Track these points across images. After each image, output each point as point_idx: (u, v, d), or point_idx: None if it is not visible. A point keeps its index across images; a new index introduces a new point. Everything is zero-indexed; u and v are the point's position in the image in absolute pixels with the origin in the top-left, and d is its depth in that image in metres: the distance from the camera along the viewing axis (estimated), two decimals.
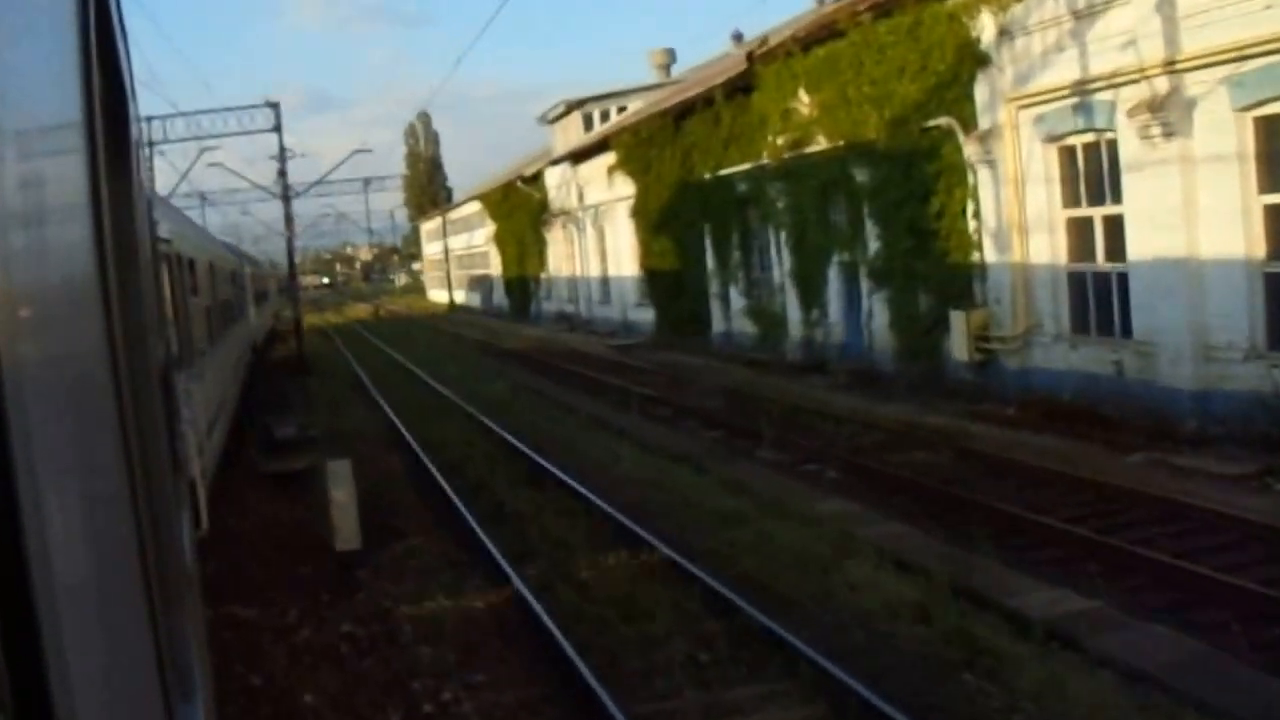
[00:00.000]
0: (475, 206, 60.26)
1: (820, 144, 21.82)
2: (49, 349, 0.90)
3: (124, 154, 2.28)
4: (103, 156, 1.42)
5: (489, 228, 55.28)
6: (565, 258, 41.85)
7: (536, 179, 43.47)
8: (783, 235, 23.67)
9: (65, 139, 1.16)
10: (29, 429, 0.71)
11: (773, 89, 23.11)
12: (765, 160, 23.82)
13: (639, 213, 31.62)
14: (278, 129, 32.35)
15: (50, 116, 1.06)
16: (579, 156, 37.45)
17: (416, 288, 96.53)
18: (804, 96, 22.19)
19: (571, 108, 39.24)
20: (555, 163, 39.68)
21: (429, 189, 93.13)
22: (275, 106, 32.45)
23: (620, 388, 21.59)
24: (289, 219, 32.54)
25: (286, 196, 32.17)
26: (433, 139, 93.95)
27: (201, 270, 12.28)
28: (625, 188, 32.89)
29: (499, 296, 55.14)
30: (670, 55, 44.95)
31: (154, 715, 1.32)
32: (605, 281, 37.20)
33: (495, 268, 55.45)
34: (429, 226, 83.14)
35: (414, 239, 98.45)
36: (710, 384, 21.16)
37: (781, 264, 23.98)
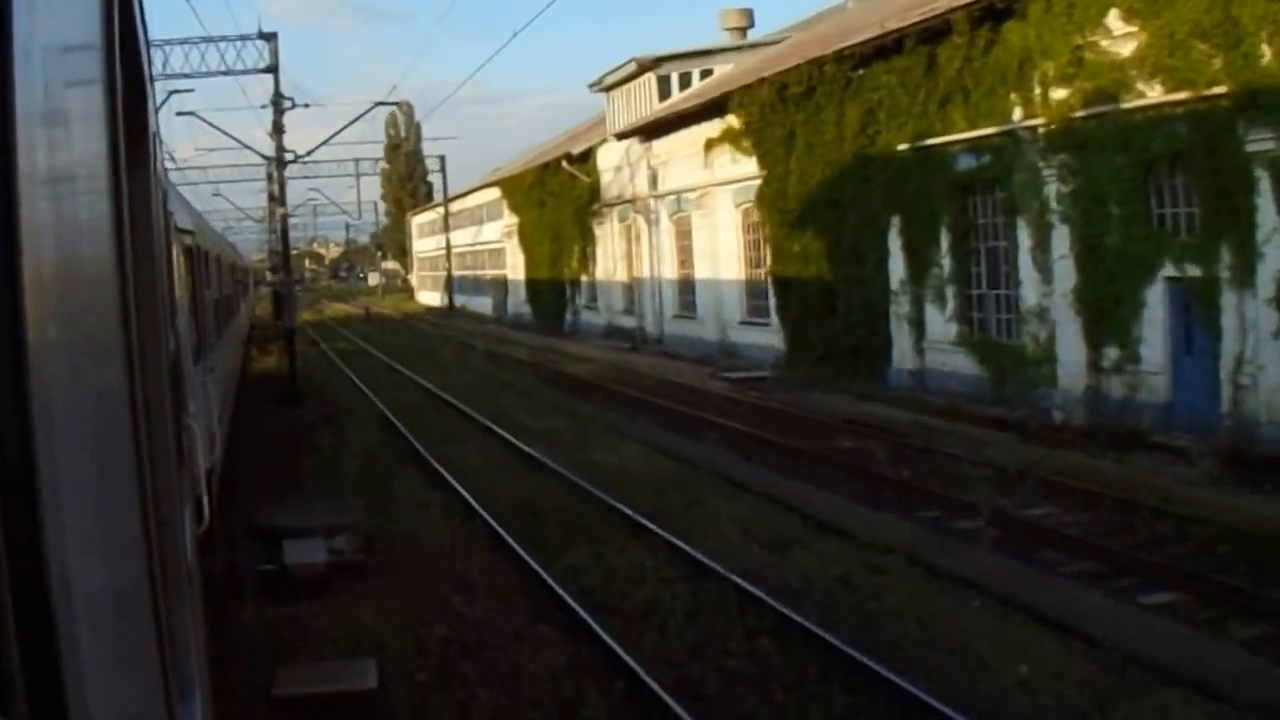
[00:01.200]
0: (488, 196, 52.08)
1: (1146, 96, 14.17)
2: (71, 336, 0.92)
3: (141, 143, 2.34)
4: (123, 145, 1.44)
5: (506, 220, 47.17)
6: (620, 258, 33.90)
7: (585, 159, 35.46)
8: (1053, 236, 15.93)
9: (87, 127, 1.17)
10: (52, 417, 0.71)
11: (1058, 14, 15.39)
12: (1024, 123, 16.13)
13: (766, 200, 23.76)
14: (274, 69, 24.12)
15: (73, 103, 1.06)
16: (655, 130, 29.56)
17: (396, 288, 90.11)
18: (1118, 22, 14.52)
19: (644, 68, 31.31)
20: (622, 136, 31.67)
21: (409, 183, 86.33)
22: (271, 39, 24.22)
23: (826, 458, 13.86)
24: (281, 190, 24.35)
25: (281, 160, 23.94)
26: (415, 130, 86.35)
27: (212, 262, 12.23)
28: (735, 167, 25.06)
29: (517, 302, 47.00)
30: (748, 17, 37.19)
31: (157, 713, 1.33)
32: (688, 290, 29.31)
33: (513, 268, 47.32)
34: (421, 220, 74.66)
35: (395, 234, 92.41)
36: (989, 464, 13.19)
37: (1042, 278, 16.23)
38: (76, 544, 0.81)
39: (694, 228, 28.54)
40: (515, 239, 46.02)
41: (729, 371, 23.29)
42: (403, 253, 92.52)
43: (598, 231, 35.26)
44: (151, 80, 2.71)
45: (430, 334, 42.71)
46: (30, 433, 0.68)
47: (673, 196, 29.40)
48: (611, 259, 34.56)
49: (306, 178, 48.97)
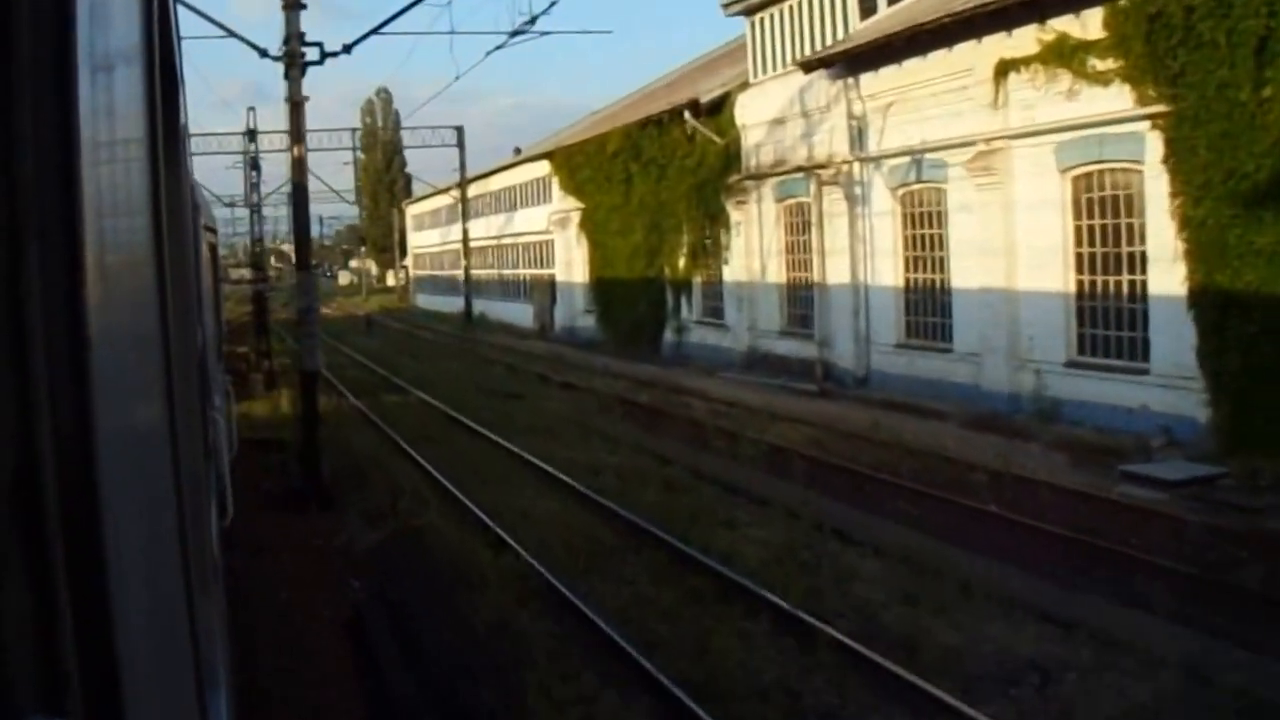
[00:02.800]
0: (524, 175, 41.37)
1: None
2: (118, 330, 0.93)
3: (174, 138, 2.39)
4: (161, 144, 1.47)
5: (557, 205, 36.53)
6: (776, 252, 23.40)
7: (717, 111, 24.90)
8: None
9: (130, 125, 1.19)
10: (109, 412, 0.73)
11: None
12: None
13: (1184, 156, 13.35)
14: None
15: (120, 103, 1.08)
16: (865, 59, 19.13)
17: (373, 288, 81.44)
18: None
19: None
20: (810, 67, 21.08)
21: (385, 176, 79.96)
22: None
23: None
24: (297, 116, 13.90)
25: (296, 58, 13.42)
26: (394, 119, 78.99)
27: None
28: (1068, 105, 14.78)
29: (570, 312, 36.30)
30: None
31: (189, 702, 1.36)
32: (925, 302, 18.86)
33: (565, 266, 36.63)
34: (419, 210, 63.63)
35: (371, 229, 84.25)
36: None
37: None
38: (129, 539, 0.81)
39: (949, 206, 18.07)
40: (573, 228, 35.36)
41: (1138, 466, 12.70)
42: (382, 250, 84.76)
43: (735, 214, 24.69)
44: (182, 75, 2.92)
45: (468, 356, 31.99)
46: (92, 429, 0.67)
47: (902, 159, 18.91)
48: (757, 253, 23.99)
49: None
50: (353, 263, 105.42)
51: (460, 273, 52.43)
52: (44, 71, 0.71)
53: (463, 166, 46.45)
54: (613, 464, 14.15)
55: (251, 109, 62.52)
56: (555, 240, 37.81)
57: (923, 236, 18.95)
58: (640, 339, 29.72)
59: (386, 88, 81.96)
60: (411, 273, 66.26)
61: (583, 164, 33.60)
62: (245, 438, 14.16)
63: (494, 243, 46.25)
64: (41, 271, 0.67)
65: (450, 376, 25.58)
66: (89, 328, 0.69)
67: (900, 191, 19.28)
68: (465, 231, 46.01)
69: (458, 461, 14.60)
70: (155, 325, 1.30)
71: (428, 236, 60.74)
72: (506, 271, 44.84)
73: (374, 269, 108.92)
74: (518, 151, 48.64)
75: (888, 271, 19.65)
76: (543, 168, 38.59)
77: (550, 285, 38.56)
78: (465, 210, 46.16)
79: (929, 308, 18.85)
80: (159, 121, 1.45)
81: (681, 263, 27.55)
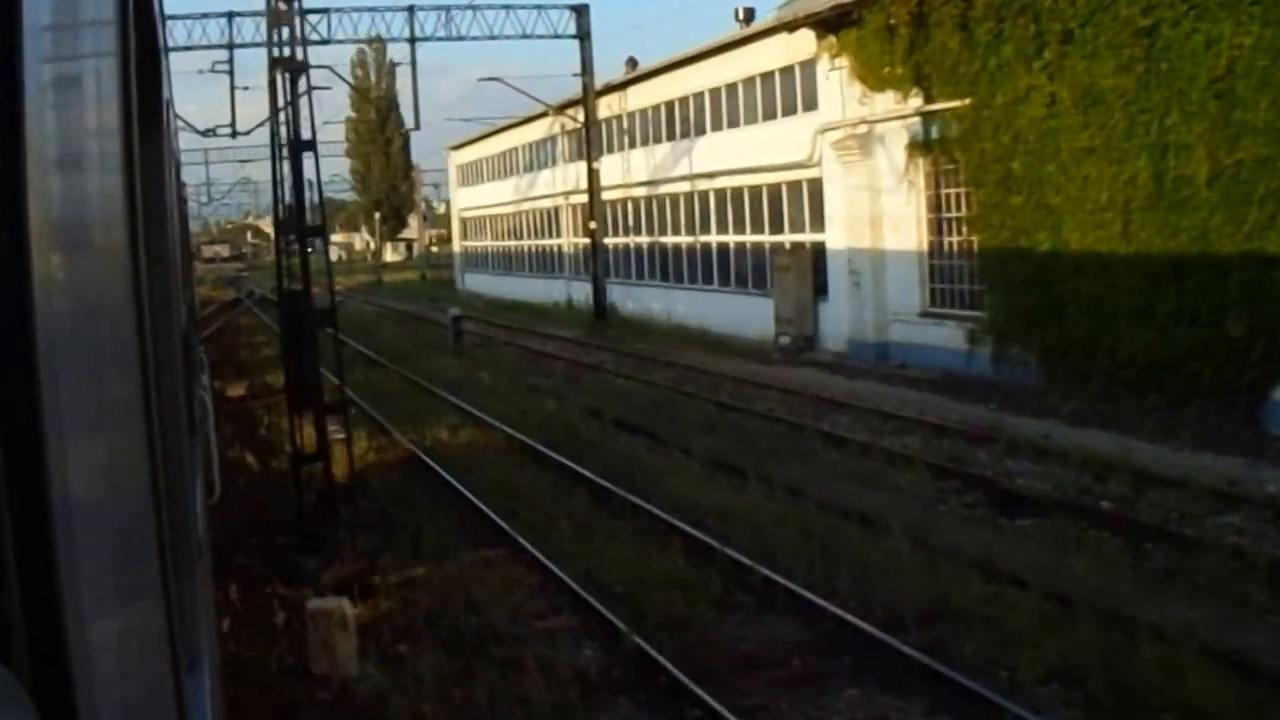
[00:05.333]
0: (748, 63, 23.88)
1: None
2: (78, 301, 0.91)
3: (155, 111, 2.32)
4: (135, 112, 1.46)
5: (834, 113, 19.22)
6: None
7: None
8: None
9: (99, 94, 1.16)
10: (58, 381, 0.72)
11: None
12: None
13: None
14: None
15: (85, 70, 1.06)
16: None
17: (366, 265, 70.53)
18: None
19: None
20: None
21: (380, 136, 70.98)
22: None
23: None
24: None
25: None
26: (389, 72, 69.36)
27: None
28: None
29: (878, 312, 19.12)
30: None
31: (162, 686, 1.33)
32: None
33: (865, 226, 19.34)
34: (475, 156, 45.76)
35: (364, 196, 75.10)
36: None
37: None
38: (82, 512, 0.81)
39: None
40: (892, 151, 18.25)
41: None
42: (386, 219, 73.61)
43: None
44: (166, 48, 3.01)
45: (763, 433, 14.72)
46: (37, 401, 0.67)
47: None
48: None
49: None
50: (337, 237, 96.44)
51: (563, 242, 34.99)
52: None
53: (587, 66, 28.82)
54: None
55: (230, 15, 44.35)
56: (828, 179, 20.60)
57: None
58: (1179, 388, 12.73)
59: (380, 35, 68.28)
60: (457, 243, 48.44)
61: (976, 19, 16.28)
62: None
63: (645, 191, 28.75)
64: None
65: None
66: (34, 305, 0.67)
67: None
68: (593, 174, 28.52)
69: None
70: (128, 301, 1.28)
71: (487, 192, 43.05)
72: (677, 238, 27.34)
73: (368, 242, 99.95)
74: (633, 64, 31.34)
75: None
76: (784, 51, 21.31)
77: (813, 262, 21.26)
78: (589, 138, 28.63)
79: None
80: (133, 92, 1.41)
81: None
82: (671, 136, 27.22)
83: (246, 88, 27.81)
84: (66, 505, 0.72)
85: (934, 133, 18.17)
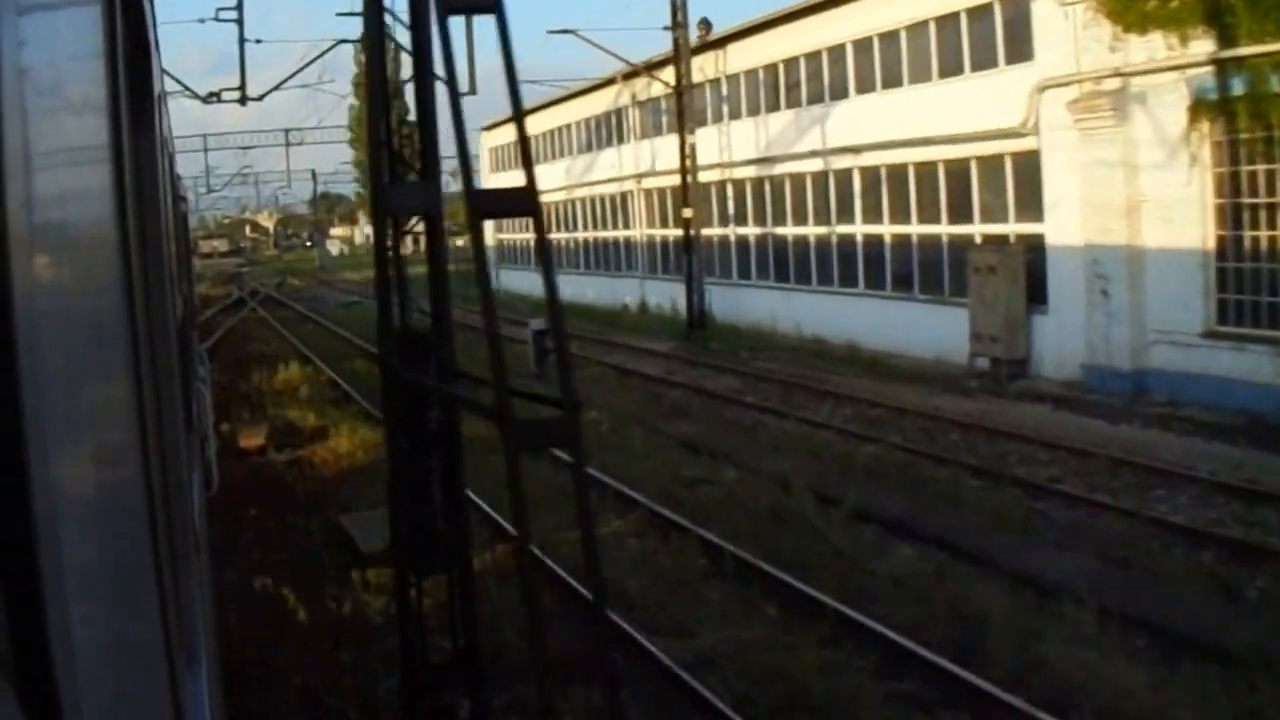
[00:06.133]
0: None
1: None
2: (64, 298, 0.91)
3: (146, 106, 2.35)
4: (125, 106, 1.44)
5: (1068, 63, 14.23)
6: None
7: None
8: None
9: (86, 88, 1.17)
10: (41, 379, 0.72)
11: None
12: None
13: None
14: None
15: (73, 64, 1.06)
16: None
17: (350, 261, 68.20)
18: None
19: None
20: None
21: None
22: None
23: None
24: None
25: None
26: (395, 56, 57.86)
27: None
28: None
29: (1135, 328, 14.31)
30: None
31: (159, 679, 1.34)
32: None
33: (1117, 215, 14.40)
34: (503, 138, 40.62)
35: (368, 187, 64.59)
36: None
37: None
38: (73, 503, 0.80)
39: None
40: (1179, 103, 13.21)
41: None
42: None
43: None
44: (156, 41, 2.88)
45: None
46: (19, 400, 0.67)
47: None
48: None
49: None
50: (335, 230, 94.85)
51: (634, 234, 29.97)
52: None
53: (680, 14, 23.69)
54: None
55: None
56: (1051, 152, 15.59)
57: None
58: None
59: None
60: (491, 236, 43.35)
61: None
62: None
63: (753, 171, 23.66)
64: None
65: None
66: (15, 301, 0.66)
67: None
68: (686, 148, 23.40)
69: None
70: (119, 296, 1.27)
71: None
72: (800, 229, 22.28)
73: (367, 236, 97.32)
74: (707, 26, 26.21)
75: None
76: None
77: (1027, 262, 16.23)
78: (682, 102, 23.49)
79: None
80: (121, 85, 1.39)
81: None
82: (794, 103, 22.12)
83: (260, 40, 22.74)
84: (52, 500, 0.71)
85: (1234, 88, 13.20)
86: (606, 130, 31.07)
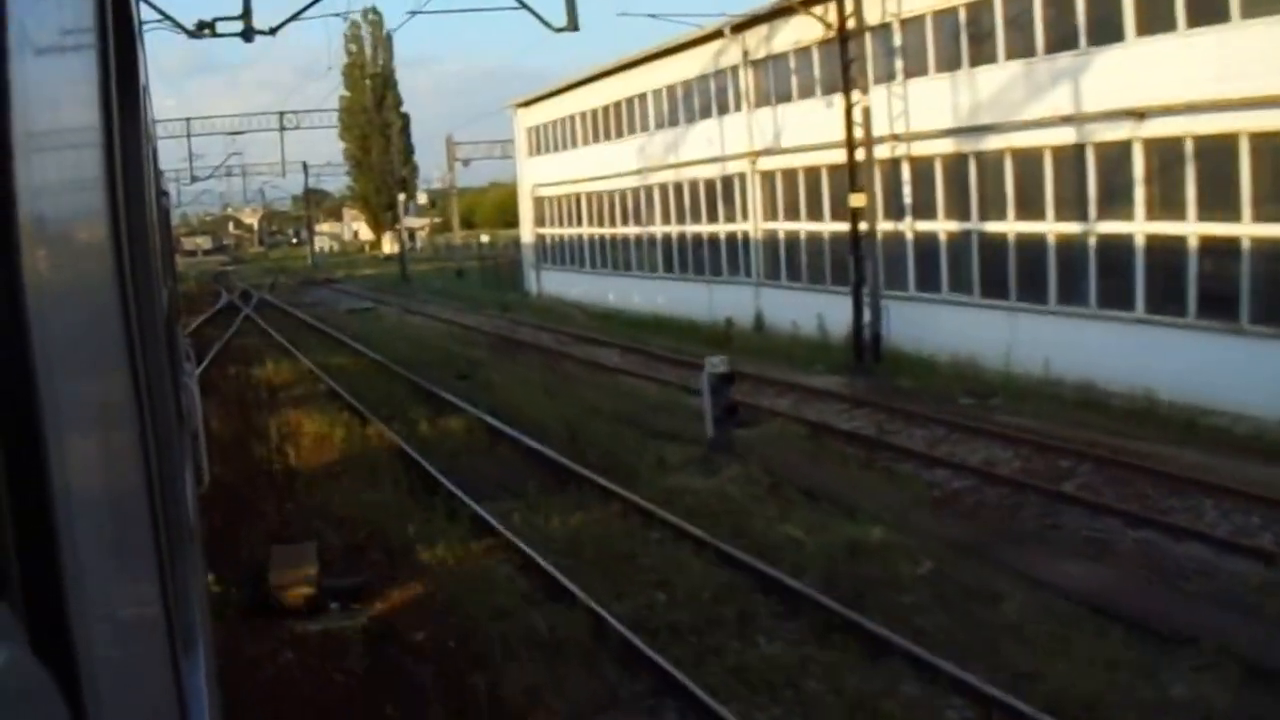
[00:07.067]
0: None
1: None
2: (66, 290, 0.92)
3: (132, 95, 2.32)
4: (114, 96, 1.44)
5: None
6: None
7: None
8: None
9: (79, 79, 1.16)
10: (53, 370, 0.73)
11: None
12: None
13: None
14: None
15: (66, 55, 1.05)
16: None
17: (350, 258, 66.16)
18: None
19: None
20: None
21: (378, 116, 64.49)
22: None
23: None
24: None
25: None
26: (386, 46, 66.38)
27: None
28: None
29: None
30: None
31: (161, 666, 1.35)
32: None
33: None
34: (544, 115, 34.60)
35: (363, 181, 69.97)
36: None
37: None
38: (82, 492, 0.83)
39: None
40: None
41: None
42: (387, 206, 66.97)
43: None
44: (141, 32, 2.88)
45: None
46: (34, 392, 0.68)
47: None
48: None
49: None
50: (324, 227, 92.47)
51: (746, 228, 24.15)
52: None
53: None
54: None
55: None
56: None
57: None
58: None
59: (376, 7, 65.31)
60: (533, 231, 36.99)
61: None
62: None
63: (949, 146, 17.74)
64: None
65: None
66: (26, 296, 0.67)
67: None
68: (860, 115, 17.47)
69: None
70: (112, 289, 1.27)
71: (581, 161, 31.83)
72: (1031, 225, 16.32)
73: (356, 232, 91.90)
74: None
75: None
76: None
77: None
78: (847, 49, 17.58)
79: None
80: (112, 77, 1.40)
81: None
82: (1019, 52, 16.21)
83: None
84: (66, 493, 0.72)
85: None
86: (703, 98, 25.02)
